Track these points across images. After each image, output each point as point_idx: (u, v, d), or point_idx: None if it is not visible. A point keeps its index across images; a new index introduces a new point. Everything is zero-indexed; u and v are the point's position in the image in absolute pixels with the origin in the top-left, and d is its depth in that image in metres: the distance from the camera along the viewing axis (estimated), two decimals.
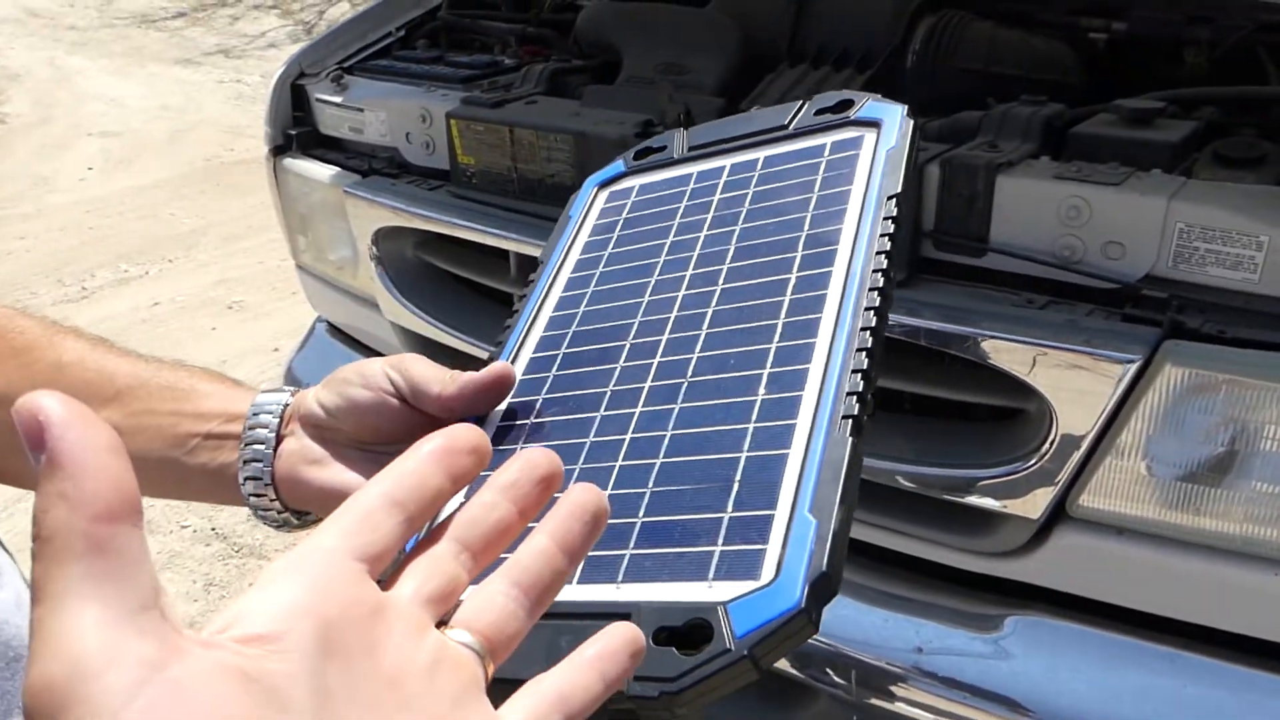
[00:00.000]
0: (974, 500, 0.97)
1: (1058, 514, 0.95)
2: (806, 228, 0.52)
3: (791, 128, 0.59)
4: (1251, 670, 0.90)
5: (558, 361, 0.53)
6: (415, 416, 0.52)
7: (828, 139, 0.57)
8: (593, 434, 0.47)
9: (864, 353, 0.44)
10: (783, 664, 1.04)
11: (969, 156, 0.94)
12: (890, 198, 0.51)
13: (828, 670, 1.03)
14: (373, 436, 0.53)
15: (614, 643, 0.32)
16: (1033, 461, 0.92)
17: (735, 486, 0.41)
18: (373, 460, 0.54)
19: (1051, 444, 0.90)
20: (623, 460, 0.45)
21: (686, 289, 0.53)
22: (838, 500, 0.38)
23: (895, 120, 0.55)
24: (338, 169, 1.43)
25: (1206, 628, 0.91)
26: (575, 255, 0.60)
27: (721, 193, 0.58)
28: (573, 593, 0.40)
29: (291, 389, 0.58)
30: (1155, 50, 1.19)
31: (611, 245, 0.59)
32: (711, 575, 0.38)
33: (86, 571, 0.25)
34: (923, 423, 1.05)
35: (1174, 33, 1.17)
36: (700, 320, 0.50)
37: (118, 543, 0.26)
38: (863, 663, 1.01)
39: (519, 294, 0.59)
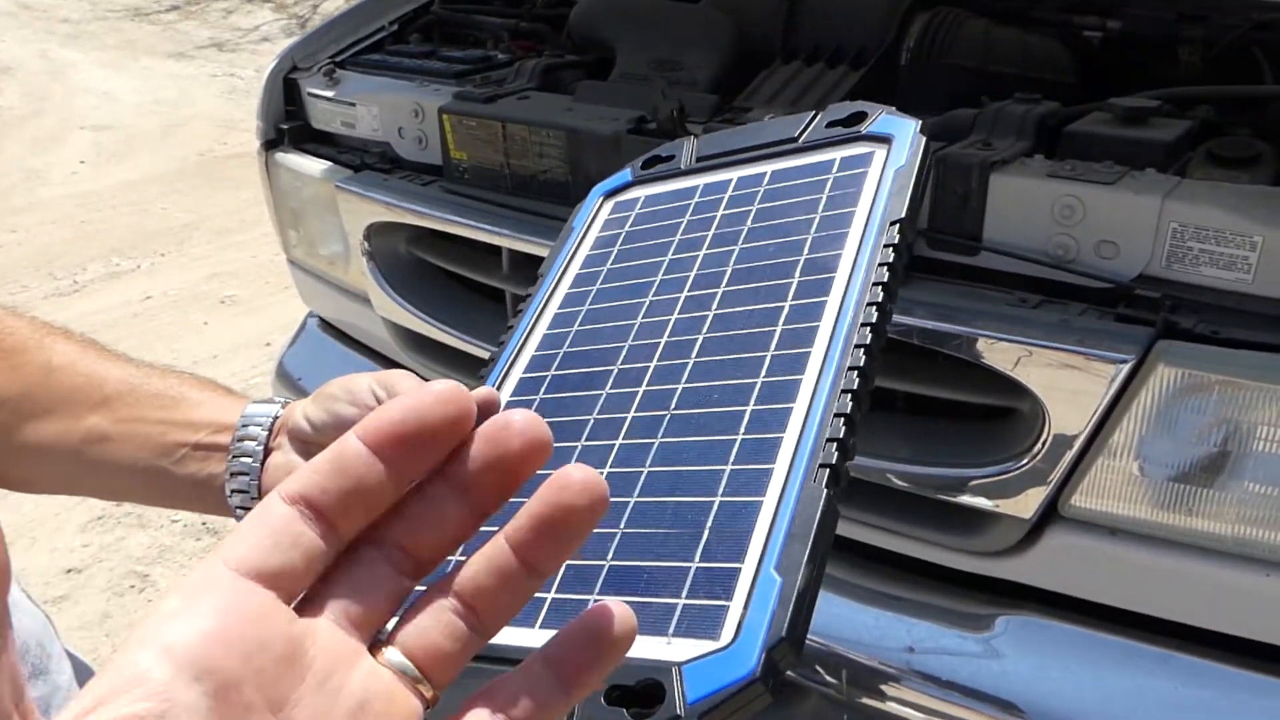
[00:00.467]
0: (966, 500, 0.97)
1: (1050, 514, 0.94)
2: (806, 251, 0.51)
3: (801, 140, 0.58)
4: (1243, 671, 0.90)
5: (546, 384, 0.52)
6: None
7: (837, 154, 0.56)
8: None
9: (849, 395, 0.42)
10: None
11: (962, 154, 0.94)
12: (893, 223, 0.49)
13: (819, 669, 1.03)
14: None
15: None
16: (1025, 461, 0.92)
17: (705, 534, 0.40)
18: None
19: (1044, 444, 0.90)
20: None
21: (680, 312, 0.52)
22: (805, 559, 0.36)
23: (907, 136, 0.54)
24: (330, 164, 1.42)
25: (1199, 628, 0.91)
26: (574, 270, 0.59)
27: (725, 209, 0.57)
28: (532, 638, 0.39)
29: (282, 400, 0.58)
30: (1150, 49, 1.19)
31: (610, 261, 0.58)
32: (672, 630, 0.37)
33: None
34: (915, 422, 1.04)
35: (1168, 31, 1.17)
36: (689, 348, 0.49)
37: None
38: (854, 662, 1.01)
39: (516, 309, 0.58)
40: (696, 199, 0.59)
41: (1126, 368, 0.84)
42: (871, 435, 1.00)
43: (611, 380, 0.50)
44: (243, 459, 0.55)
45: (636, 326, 0.52)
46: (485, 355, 0.61)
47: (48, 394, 0.59)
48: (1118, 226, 0.87)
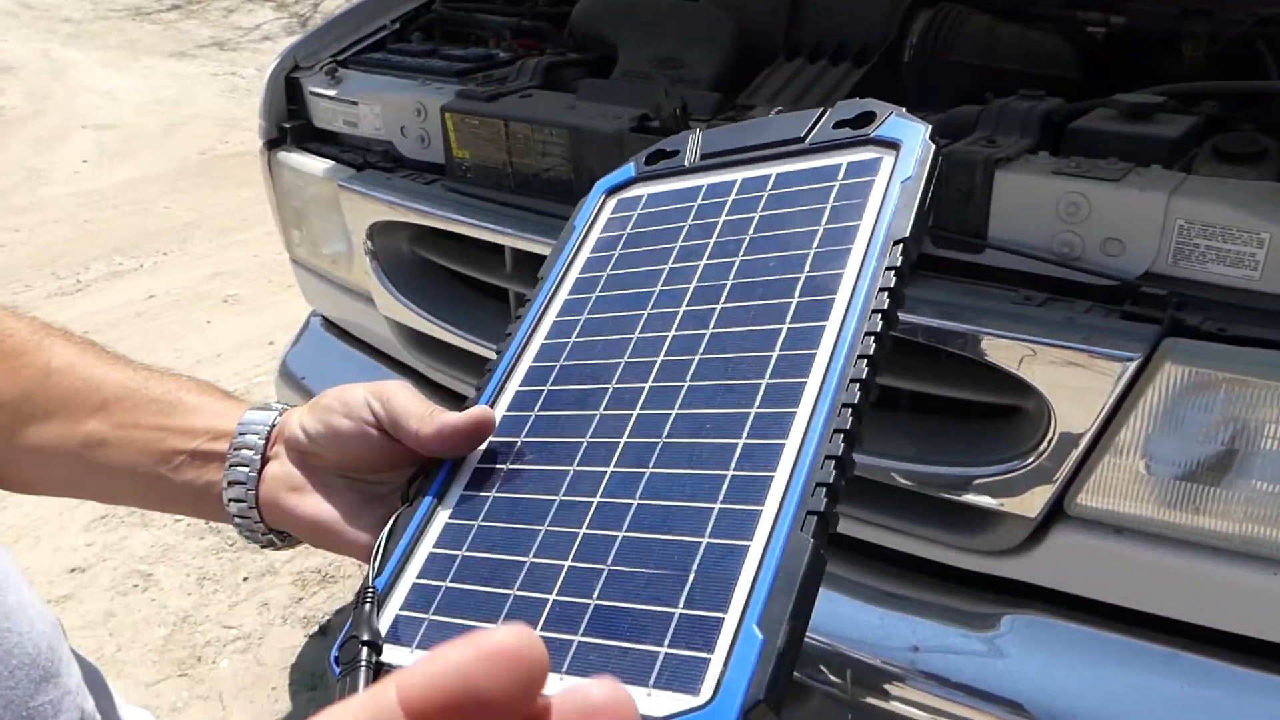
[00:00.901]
0: (971, 498, 0.96)
1: (1055, 513, 0.94)
2: (807, 269, 0.50)
3: (808, 141, 0.56)
4: (1250, 670, 0.89)
5: (541, 399, 0.52)
6: (397, 447, 0.51)
7: (843, 159, 0.54)
8: (563, 491, 0.46)
9: (841, 435, 0.41)
10: None
11: (966, 152, 0.93)
12: (897, 242, 0.47)
13: (822, 668, 1.03)
14: (354, 466, 0.53)
15: None
16: (1030, 460, 0.91)
17: (691, 578, 0.39)
18: (355, 489, 0.53)
19: (1049, 442, 0.90)
20: (586, 527, 0.44)
21: (677, 329, 0.51)
22: (788, 615, 0.36)
23: (915, 143, 0.52)
24: (332, 163, 1.42)
25: (1205, 628, 0.91)
26: (575, 273, 0.58)
27: (727, 214, 0.56)
28: None
29: (281, 406, 0.57)
30: (1154, 44, 1.19)
31: (611, 266, 0.57)
32: (652, 682, 0.36)
33: None
34: (920, 420, 1.04)
35: (1172, 27, 1.17)
36: (685, 369, 0.48)
37: None
38: (858, 661, 1.01)
39: (515, 313, 0.57)
40: (699, 201, 0.58)
41: (1133, 366, 0.83)
42: (876, 433, 0.99)
43: (606, 400, 0.49)
44: (239, 468, 0.55)
45: (634, 342, 0.52)
46: (488, 354, 0.61)
47: (46, 397, 0.58)
48: (1123, 223, 0.87)
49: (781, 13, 1.28)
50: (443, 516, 0.49)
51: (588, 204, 0.62)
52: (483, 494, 0.49)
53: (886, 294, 0.46)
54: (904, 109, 0.54)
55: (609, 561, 0.42)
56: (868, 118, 0.55)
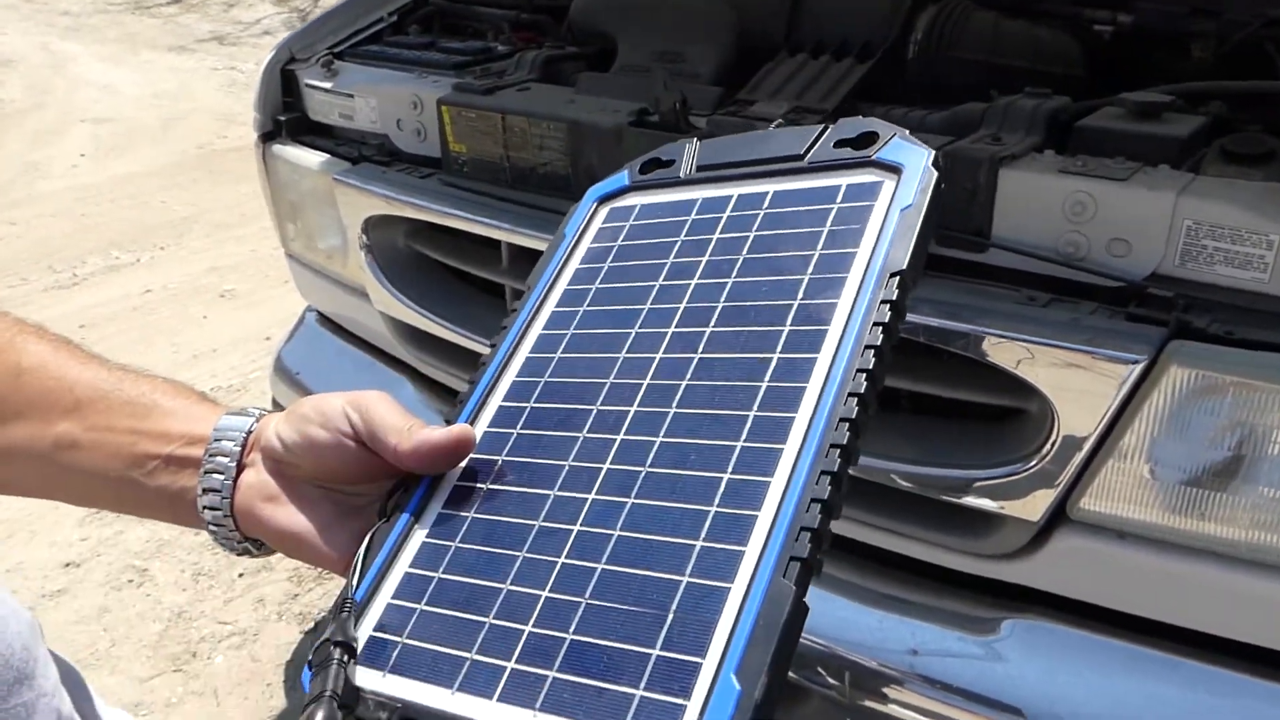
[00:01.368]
0: (972, 501, 0.95)
1: (1058, 517, 0.92)
2: (800, 295, 0.48)
3: (807, 159, 0.55)
4: (1253, 678, 0.88)
5: (524, 417, 0.50)
6: (375, 460, 0.50)
7: (843, 181, 0.53)
8: (542, 517, 0.45)
9: (829, 477, 0.40)
10: None
11: (971, 149, 0.92)
12: (894, 275, 0.46)
13: (820, 671, 1.01)
14: (330, 477, 0.52)
15: None
16: (1033, 463, 0.90)
17: (669, 618, 0.38)
18: (331, 499, 0.52)
19: (1052, 445, 0.88)
20: (565, 557, 0.43)
21: (665, 350, 0.49)
22: (767, 665, 0.35)
23: (917, 169, 0.50)
24: (327, 156, 1.40)
25: (1208, 634, 0.89)
26: (563, 284, 0.57)
27: (721, 231, 0.54)
28: (491, 712, 0.39)
29: (258, 411, 0.56)
30: (1162, 43, 1.17)
31: (600, 279, 0.56)
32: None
33: None
34: (920, 421, 1.03)
35: (1181, 26, 1.15)
36: (672, 394, 0.47)
37: None
38: (857, 664, 0.99)
39: (502, 325, 0.56)
40: (693, 215, 0.56)
41: (1138, 368, 0.82)
42: (876, 435, 0.98)
43: (590, 422, 0.48)
44: (214, 475, 0.53)
45: (620, 361, 0.50)
46: (482, 350, 0.59)
47: (17, 397, 0.57)
48: (1130, 223, 0.85)
49: (784, 7, 1.26)
50: (420, 535, 0.48)
51: (579, 211, 0.60)
52: (461, 514, 0.47)
53: (880, 329, 0.44)
54: (907, 131, 0.53)
55: (587, 594, 0.41)
56: (870, 138, 0.53)
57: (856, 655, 1.00)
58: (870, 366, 0.43)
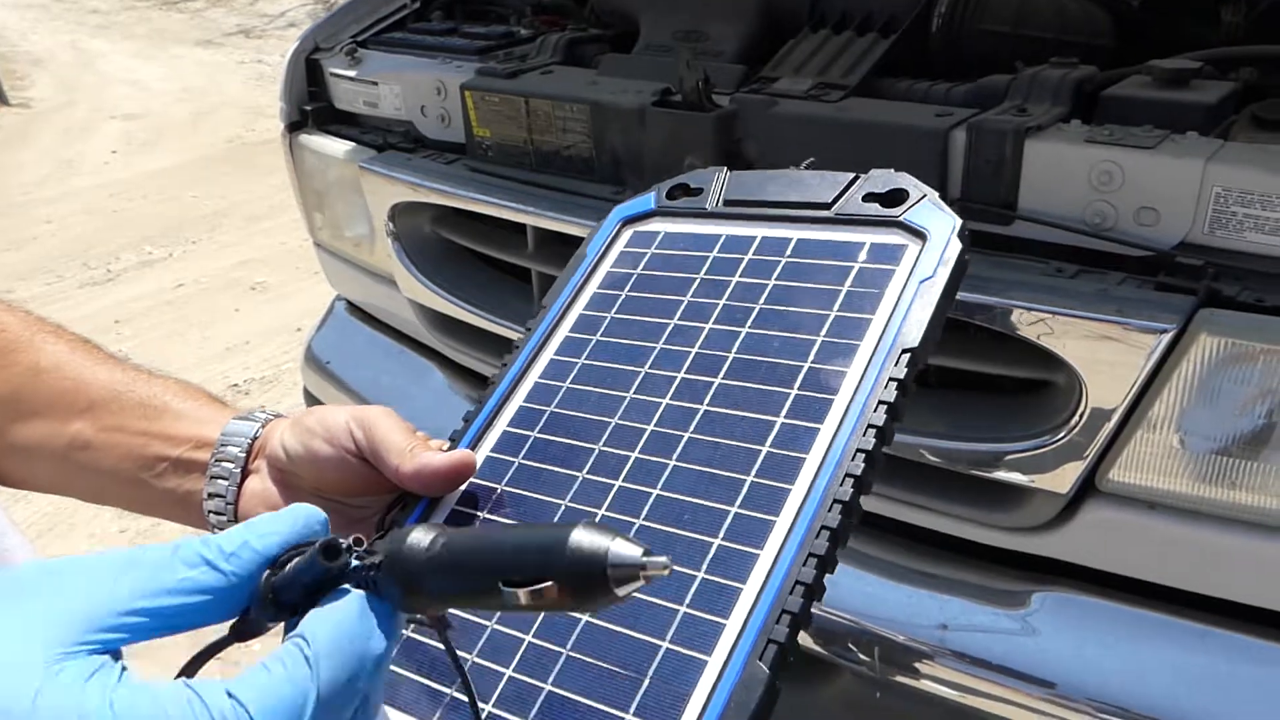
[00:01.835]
0: (1001, 475, 0.95)
1: (1087, 488, 0.92)
2: (812, 358, 0.48)
3: (834, 210, 0.54)
4: None
5: (527, 446, 0.51)
6: (376, 475, 0.51)
7: (867, 239, 0.52)
8: None
9: (816, 560, 0.40)
10: (805, 640, 1.03)
11: (997, 121, 0.91)
12: (905, 351, 0.46)
13: (851, 647, 1.02)
14: (332, 489, 0.53)
15: None
16: (1061, 435, 0.89)
17: (646, 684, 0.39)
18: (333, 511, 0.52)
19: (1081, 417, 0.88)
20: None
21: (672, 397, 0.49)
22: None
23: (942, 239, 0.50)
24: (353, 144, 1.41)
25: (1239, 604, 0.89)
26: (579, 308, 0.57)
27: (741, 274, 0.54)
28: None
29: (265, 416, 0.57)
30: (1191, 9, 1.15)
31: (616, 308, 0.56)
32: None
33: None
34: (949, 396, 1.02)
35: None
36: (674, 445, 0.47)
37: None
38: (886, 639, 1.00)
39: (517, 340, 0.56)
40: (715, 253, 0.56)
41: (1167, 338, 0.81)
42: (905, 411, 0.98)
43: (591, 463, 0.48)
44: (219, 481, 0.54)
45: (627, 402, 0.50)
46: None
47: (35, 396, 0.59)
48: (1158, 192, 0.85)
49: None
50: None
51: (603, 231, 0.60)
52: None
53: (886, 409, 0.44)
54: (937, 193, 0.52)
55: (568, 646, 0.41)
56: (900, 196, 0.53)
57: (886, 630, 1.00)
58: (870, 448, 0.43)
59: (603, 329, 0.55)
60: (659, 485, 0.46)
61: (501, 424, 0.53)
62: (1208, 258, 0.83)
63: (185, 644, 0.33)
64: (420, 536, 0.33)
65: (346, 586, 0.32)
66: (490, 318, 1.29)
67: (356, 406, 0.53)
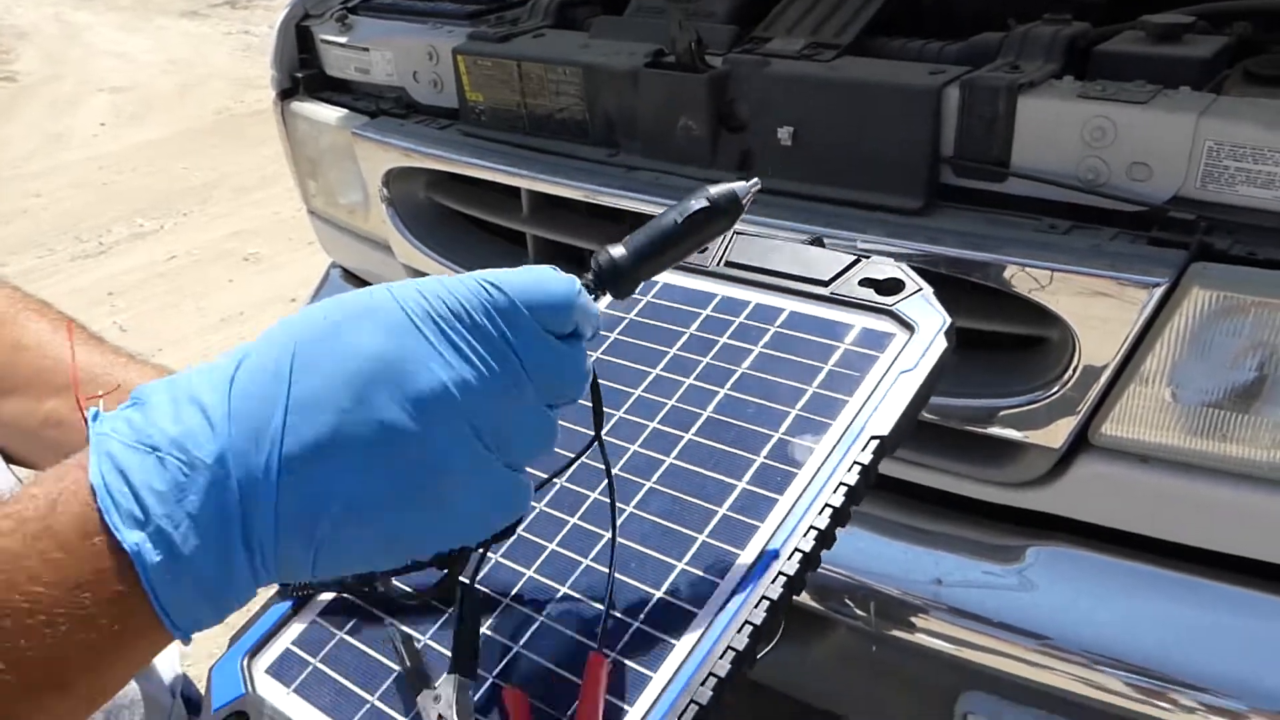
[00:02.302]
0: (994, 430, 0.96)
1: (1079, 443, 0.93)
2: (783, 429, 0.49)
3: (830, 289, 0.56)
4: (1277, 598, 0.89)
5: None
6: None
7: (858, 322, 0.54)
8: (481, 581, 0.46)
9: (748, 628, 0.40)
10: (802, 596, 1.04)
11: (990, 78, 0.91)
12: (874, 438, 0.47)
13: (847, 602, 1.03)
14: None
15: None
16: (1054, 390, 0.90)
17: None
18: None
19: (1074, 372, 0.89)
20: (486, 629, 0.44)
21: (642, 444, 0.50)
22: None
23: (929, 334, 0.51)
24: (345, 111, 1.41)
25: (1232, 556, 0.90)
26: None
27: (730, 336, 0.55)
28: None
29: None
30: None
31: (603, 348, 0.57)
32: None
33: None
34: None
35: None
36: (634, 493, 0.48)
37: None
38: (882, 594, 1.01)
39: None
40: (708, 311, 0.57)
41: (1159, 292, 0.82)
42: None
43: (550, 497, 0.49)
44: None
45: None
46: None
47: (14, 373, 0.60)
48: (1151, 147, 0.85)
49: None
50: None
51: None
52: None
53: (845, 491, 0.45)
54: (932, 290, 0.53)
55: (493, 672, 0.43)
56: (895, 286, 0.54)
57: (882, 585, 1.02)
58: (823, 527, 0.44)
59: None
60: (613, 530, 0.47)
61: None
62: (1200, 212, 0.84)
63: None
64: (614, 249, 0.44)
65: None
66: None
67: None
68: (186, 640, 0.34)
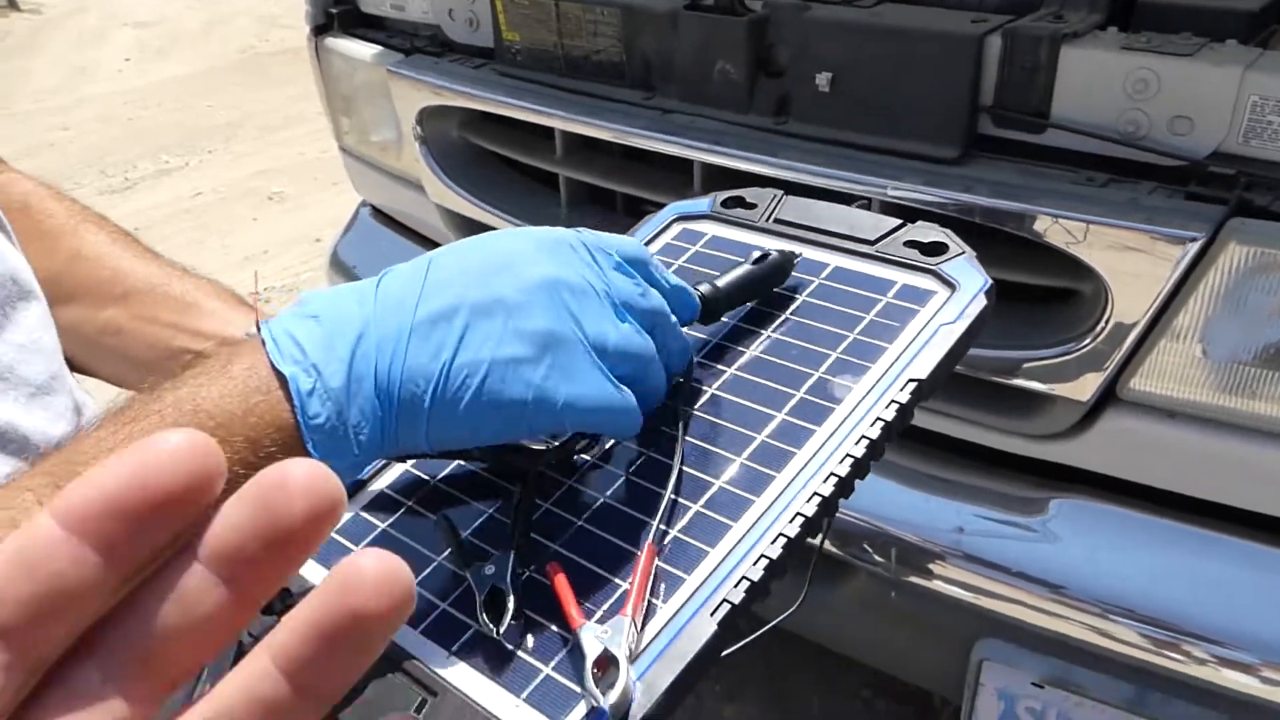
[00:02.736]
0: (1022, 382, 0.96)
1: (1107, 397, 0.94)
2: (823, 369, 0.50)
3: (875, 248, 0.57)
4: None
5: None
6: None
7: (900, 279, 0.55)
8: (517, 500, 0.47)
9: (784, 540, 0.41)
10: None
11: (1032, 27, 0.91)
12: (911, 380, 0.48)
13: (867, 548, 1.05)
14: None
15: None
16: (1085, 343, 0.91)
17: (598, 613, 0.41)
18: None
19: (1106, 325, 0.89)
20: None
21: (678, 398, 0.51)
22: (666, 686, 0.37)
23: (970, 291, 0.52)
24: (380, 48, 1.41)
25: (1254, 512, 0.91)
26: None
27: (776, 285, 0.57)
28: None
29: None
30: None
31: None
32: (524, 695, 0.38)
33: None
34: None
35: None
36: (675, 419, 0.49)
37: None
38: (903, 541, 1.03)
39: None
40: None
41: (1195, 247, 0.82)
42: None
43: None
44: None
45: None
46: None
47: (73, 281, 0.62)
48: (1194, 101, 0.84)
49: None
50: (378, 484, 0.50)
51: (655, 220, 0.63)
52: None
53: (881, 425, 0.46)
54: (975, 254, 0.54)
55: (547, 550, 0.44)
56: (940, 248, 0.55)
57: (903, 532, 1.03)
58: (859, 455, 0.45)
59: None
60: (652, 450, 0.48)
61: None
62: (1240, 167, 0.84)
63: None
64: (709, 286, 0.52)
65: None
66: (517, 223, 1.30)
67: None
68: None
